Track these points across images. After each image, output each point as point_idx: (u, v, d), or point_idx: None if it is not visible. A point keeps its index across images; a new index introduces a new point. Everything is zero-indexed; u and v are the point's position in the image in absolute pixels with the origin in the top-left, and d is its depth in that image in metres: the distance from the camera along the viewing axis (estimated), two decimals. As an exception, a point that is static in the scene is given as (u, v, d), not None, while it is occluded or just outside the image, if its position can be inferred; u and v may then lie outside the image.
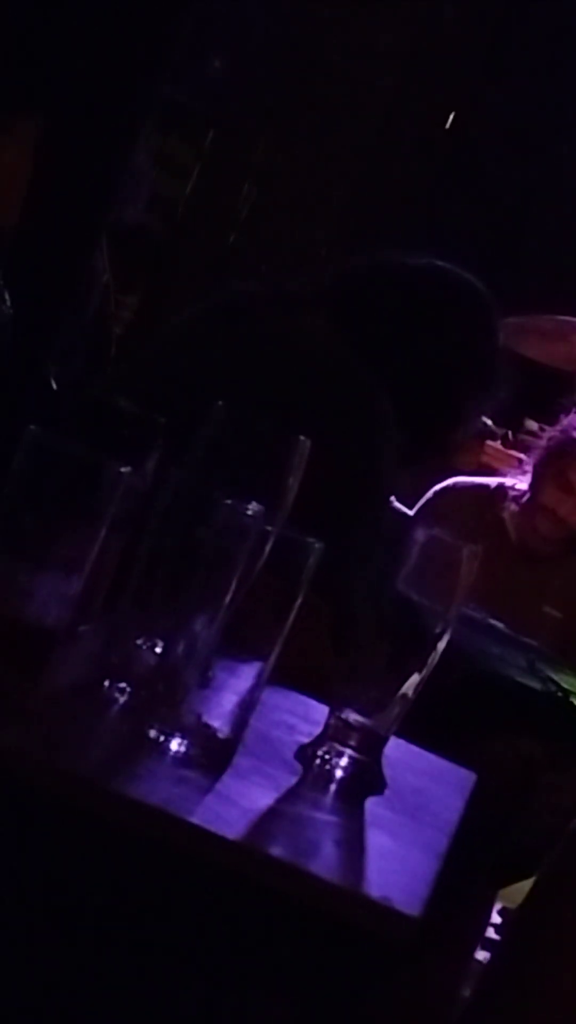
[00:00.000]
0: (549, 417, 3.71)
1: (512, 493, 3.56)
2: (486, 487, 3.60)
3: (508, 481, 3.59)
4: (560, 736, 2.75)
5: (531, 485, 3.51)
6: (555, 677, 2.82)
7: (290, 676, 1.58)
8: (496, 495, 3.56)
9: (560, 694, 2.78)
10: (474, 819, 1.78)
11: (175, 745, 1.49)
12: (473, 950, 2.62)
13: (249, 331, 2.41)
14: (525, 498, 3.51)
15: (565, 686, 2.81)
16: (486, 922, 2.82)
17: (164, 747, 1.49)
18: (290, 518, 1.66)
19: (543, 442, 3.56)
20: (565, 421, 3.51)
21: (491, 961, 2.34)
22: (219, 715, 1.51)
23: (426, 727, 1.78)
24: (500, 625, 2.95)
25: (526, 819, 2.67)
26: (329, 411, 2.28)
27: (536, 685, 2.79)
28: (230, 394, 1.70)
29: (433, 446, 2.59)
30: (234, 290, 2.63)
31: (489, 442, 4.37)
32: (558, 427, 3.52)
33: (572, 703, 2.79)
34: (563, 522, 3.46)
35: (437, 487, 3.48)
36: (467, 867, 1.84)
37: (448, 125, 5.30)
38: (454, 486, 3.58)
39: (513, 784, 2.66)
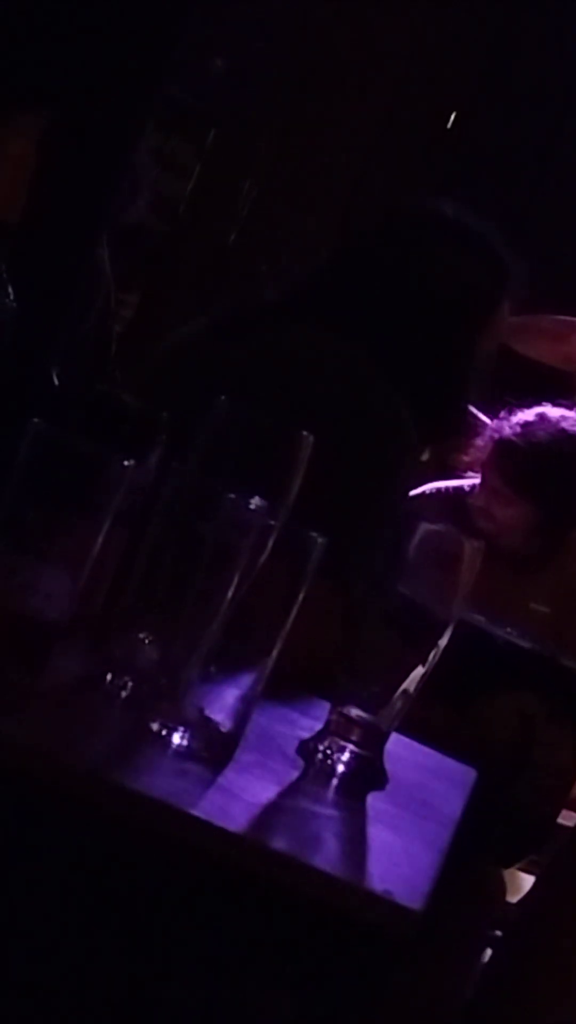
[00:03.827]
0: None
1: None
2: (460, 488, 3.60)
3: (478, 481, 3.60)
4: (554, 692, 2.77)
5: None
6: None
7: (296, 668, 1.58)
8: (470, 496, 3.57)
9: (548, 653, 2.82)
10: (479, 781, 1.79)
11: (177, 739, 1.49)
12: (477, 945, 2.62)
13: (251, 344, 2.41)
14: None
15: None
16: (489, 918, 2.82)
17: (166, 741, 1.49)
18: (302, 512, 1.66)
19: (480, 442, 3.55)
20: (494, 422, 3.51)
21: (494, 957, 2.35)
22: (221, 709, 1.51)
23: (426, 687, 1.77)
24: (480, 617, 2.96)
25: (528, 777, 2.67)
26: (340, 411, 2.29)
27: (525, 644, 2.82)
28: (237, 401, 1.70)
29: (441, 426, 2.58)
30: (231, 304, 2.63)
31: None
32: (489, 428, 3.52)
33: (561, 661, 2.83)
34: (495, 520, 3.47)
35: (412, 492, 3.47)
36: (477, 837, 1.84)
37: (449, 125, 5.30)
38: (428, 491, 3.59)
39: (514, 738, 2.67)
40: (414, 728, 1.69)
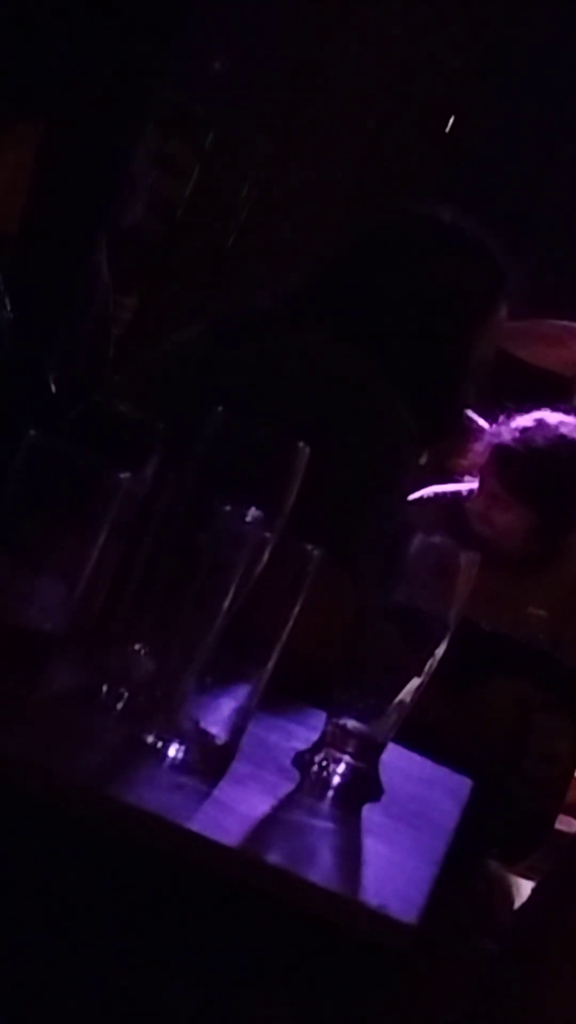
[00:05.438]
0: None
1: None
2: (458, 493, 3.61)
3: (476, 486, 3.60)
4: (550, 683, 2.77)
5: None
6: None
7: (295, 673, 1.57)
8: (469, 500, 3.57)
9: (543, 647, 2.83)
10: (475, 790, 1.78)
11: (173, 751, 1.49)
12: (475, 954, 2.61)
13: (250, 348, 2.42)
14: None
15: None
16: (488, 926, 2.81)
17: (162, 753, 1.49)
18: (305, 516, 1.66)
19: (479, 447, 3.56)
20: (493, 428, 3.52)
21: (493, 966, 2.34)
22: (217, 721, 1.51)
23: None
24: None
25: (525, 767, 2.67)
26: (341, 413, 2.30)
27: (519, 639, 2.82)
28: (235, 410, 1.70)
29: (438, 428, 2.59)
30: (229, 308, 2.64)
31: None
32: (489, 433, 3.52)
33: (556, 655, 2.83)
34: (494, 525, 3.47)
35: (411, 496, 3.47)
36: (476, 841, 1.84)
37: (448, 128, 5.30)
38: (426, 496, 3.59)
39: (510, 724, 2.67)
40: (409, 717, 1.68)
